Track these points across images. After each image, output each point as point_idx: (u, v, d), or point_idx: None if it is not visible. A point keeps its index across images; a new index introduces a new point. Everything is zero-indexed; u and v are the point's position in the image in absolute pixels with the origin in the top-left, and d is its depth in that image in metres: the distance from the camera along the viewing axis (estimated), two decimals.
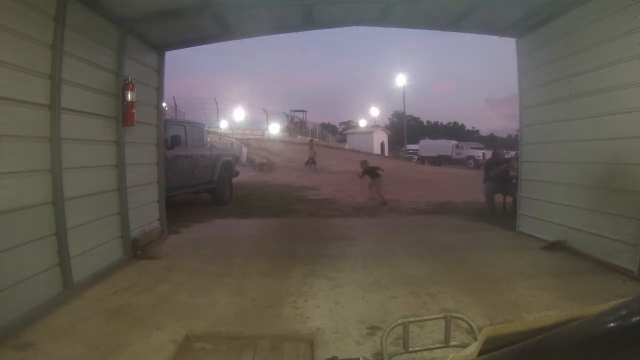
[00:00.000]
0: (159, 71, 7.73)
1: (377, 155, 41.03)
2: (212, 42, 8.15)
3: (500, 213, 10.62)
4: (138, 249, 6.65)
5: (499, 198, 10.76)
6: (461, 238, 7.87)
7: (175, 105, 34.53)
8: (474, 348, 0.76)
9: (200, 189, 11.58)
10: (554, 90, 7.16)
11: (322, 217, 10.61)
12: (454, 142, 45.52)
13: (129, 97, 6.20)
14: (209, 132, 30.37)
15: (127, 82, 6.22)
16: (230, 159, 12.98)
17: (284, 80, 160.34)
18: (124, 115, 6.19)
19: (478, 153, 42.51)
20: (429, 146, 44.80)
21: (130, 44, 6.59)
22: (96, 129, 5.72)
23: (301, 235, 8.15)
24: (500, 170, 10.79)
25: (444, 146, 43.77)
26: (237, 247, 7.22)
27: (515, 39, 8.23)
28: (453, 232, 8.43)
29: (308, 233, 8.40)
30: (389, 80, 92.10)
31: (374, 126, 53.19)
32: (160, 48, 7.67)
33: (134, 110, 6.25)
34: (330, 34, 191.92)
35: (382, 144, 48.29)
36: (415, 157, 44.91)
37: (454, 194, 15.73)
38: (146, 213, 7.24)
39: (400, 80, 50.05)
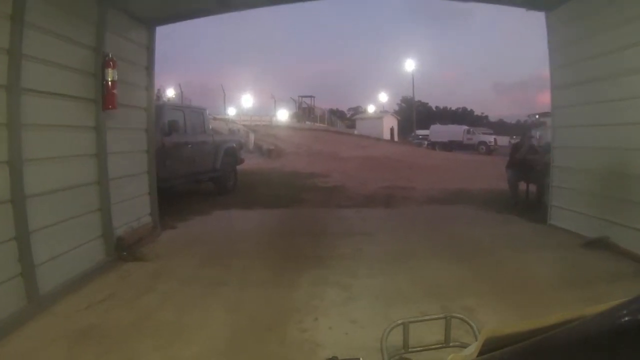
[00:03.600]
0: (150, 48, 6.81)
1: (387, 141, 40.15)
2: (207, 15, 7.23)
3: (523, 202, 9.76)
4: (124, 249, 5.80)
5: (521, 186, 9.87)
6: (488, 233, 6.98)
7: (182, 92, 33.66)
8: (473, 348, 0.74)
9: (202, 178, 10.72)
10: (591, 67, 6.21)
11: (332, 207, 9.71)
12: (465, 127, 44.11)
13: (110, 76, 5.29)
14: (215, 119, 29.85)
15: (106, 59, 5.32)
16: (234, 145, 12.07)
17: (291, 67, 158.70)
18: (104, 97, 5.29)
19: (490, 138, 41.51)
20: (439, 131, 43.49)
21: (113, 18, 5.69)
22: (70, 113, 4.84)
23: (309, 230, 7.25)
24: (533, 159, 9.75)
25: (455, 131, 42.43)
26: (238, 246, 6.36)
27: (544, 12, 7.24)
28: (477, 225, 7.53)
29: (317, 227, 7.50)
30: (397, 65, 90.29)
31: (383, 111, 51.92)
32: (150, 23, 6.75)
33: (115, 91, 5.35)
34: (337, 19, 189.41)
35: (392, 130, 47.08)
36: (426, 142, 43.92)
37: (469, 180, 14.74)
38: (134, 207, 6.38)
39: (409, 65, 48.63)
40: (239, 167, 13.03)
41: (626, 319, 0.49)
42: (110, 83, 5.30)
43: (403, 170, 18.60)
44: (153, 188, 6.86)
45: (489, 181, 14.06)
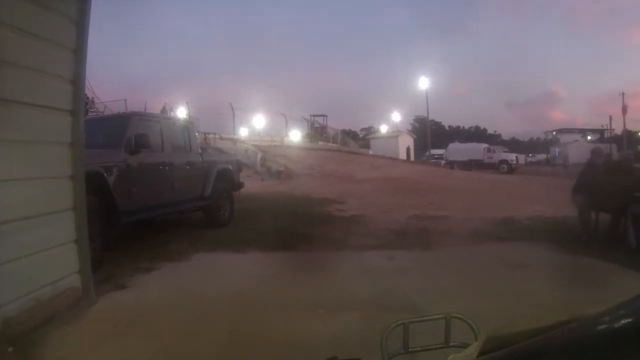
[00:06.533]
0: (80, 24, 4.38)
1: (403, 160, 37.77)
2: None
3: (597, 237, 7.32)
4: (11, 342, 3.32)
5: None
6: (593, 296, 4.33)
7: (188, 110, 31.52)
8: (474, 348, 0.75)
9: (185, 208, 8.25)
10: None
11: (353, 249, 7.09)
12: (485, 145, 41.40)
13: None
14: (221, 138, 27.58)
15: None
16: (229, 167, 9.54)
17: (300, 87, 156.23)
18: None
19: (511, 157, 38.92)
20: (458, 150, 40.83)
21: None
22: None
23: (321, 300, 4.52)
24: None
25: (475, 150, 39.68)
26: (200, 339, 3.75)
27: None
28: (576, 287, 4.82)
29: (332, 292, 4.82)
30: (409, 84, 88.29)
31: (398, 130, 49.47)
32: None
33: None
34: (347, 39, 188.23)
35: (408, 149, 44.60)
36: (442, 161, 41.45)
37: (508, 206, 12.13)
38: (45, 266, 3.89)
39: (423, 83, 46.21)
40: (240, 192, 10.60)
41: (626, 319, 0.50)
42: None
43: (427, 193, 15.98)
44: (83, 233, 4.35)
45: (532, 206, 11.56)
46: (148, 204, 6.97)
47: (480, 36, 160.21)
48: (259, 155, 23.75)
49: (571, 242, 7.22)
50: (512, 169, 36.07)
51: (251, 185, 16.10)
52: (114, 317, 4.21)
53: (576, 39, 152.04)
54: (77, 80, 4.34)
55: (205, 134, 24.56)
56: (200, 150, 8.96)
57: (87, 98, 27.51)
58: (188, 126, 8.66)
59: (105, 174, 6.00)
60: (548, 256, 6.62)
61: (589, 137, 51.95)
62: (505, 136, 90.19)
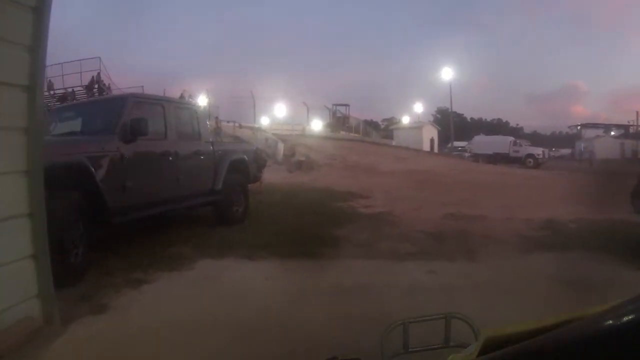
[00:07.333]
0: None
1: (427, 152, 36.40)
2: None
3: None
4: None
5: None
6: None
7: (208, 97, 30.56)
8: (474, 348, 0.74)
9: (192, 204, 7.23)
10: None
11: (383, 257, 5.94)
12: (512, 138, 39.53)
13: None
14: (241, 127, 26.57)
15: None
16: (244, 157, 8.44)
17: (321, 76, 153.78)
18: None
19: (538, 151, 37.38)
20: (483, 143, 39.06)
21: None
22: None
23: (351, 340, 3.30)
24: None
25: (501, 143, 37.83)
26: None
27: None
28: None
29: (367, 326, 3.66)
30: (431, 75, 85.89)
31: (422, 121, 47.86)
32: None
33: None
34: (369, 30, 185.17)
35: (432, 141, 43.07)
36: (466, 154, 39.93)
37: (548, 205, 10.86)
38: None
39: (446, 73, 44.36)
40: (258, 185, 9.58)
41: (626, 318, 0.49)
42: None
43: (458, 188, 14.73)
44: (42, 246, 3.31)
45: (572, 206, 10.19)
46: (147, 201, 5.95)
47: (501, 29, 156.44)
48: (280, 145, 22.72)
49: (628, 249, 5.97)
50: (538, 164, 34.45)
51: (271, 175, 15.07)
52: (82, 356, 3.19)
53: (597, 35, 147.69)
54: (37, 47, 3.27)
55: (216, 119, 23.45)
56: (210, 138, 7.89)
57: (104, 84, 26.81)
58: (197, 110, 7.60)
59: (90, 166, 4.97)
60: (613, 271, 5.38)
61: (612, 133, 49.69)
62: (527, 130, 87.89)
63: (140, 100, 6.46)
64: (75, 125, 6.42)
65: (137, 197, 5.71)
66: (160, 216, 6.84)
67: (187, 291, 4.62)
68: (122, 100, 6.21)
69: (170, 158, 6.46)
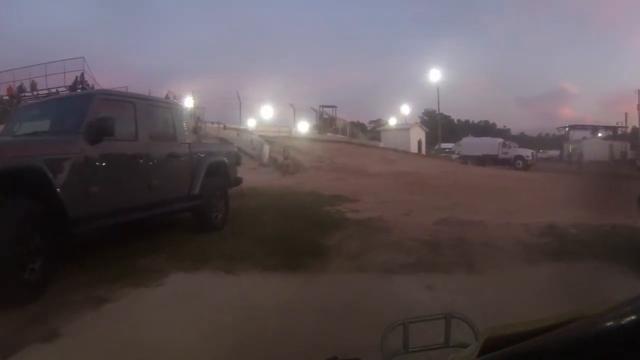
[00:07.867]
0: None
1: (415, 154, 36.16)
2: None
3: None
4: None
5: None
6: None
7: (194, 99, 29.90)
8: (474, 348, 0.73)
9: (167, 211, 6.63)
10: None
11: (376, 271, 5.37)
12: (500, 140, 39.47)
13: None
14: (225, 128, 25.95)
15: None
16: (224, 159, 7.86)
17: (311, 78, 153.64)
18: None
19: (527, 152, 37.22)
20: (472, 144, 38.80)
21: None
22: None
23: None
24: None
25: (490, 144, 37.62)
26: None
27: None
28: None
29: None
30: (418, 77, 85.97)
31: (410, 123, 47.62)
32: None
33: None
34: (358, 32, 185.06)
35: (420, 142, 42.84)
36: (454, 156, 39.75)
37: (545, 209, 10.45)
38: None
39: (434, 75, 44.12)
40: (241, 187, 9.04)
41: (626, 319, 0.49)
42: None
43: (450, 191, 14.30)
44: None
45: (570, 210, 9.75)
46: (114, 208, 5.34)
47: (489, 33, 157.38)
48: (266, 147, 22.17)
49: (635, 257, 5.51)
50: (527, 165, 34.37)
51: (256, 178, 14.49)
52: None
53: (588, 37, 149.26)
54: None
55: (197, 119, 22.81)
56: (187, 139, 7.29)
57: (87, 85, 26.09)
58: (173, 109, 7.00)
59: (47, 169, 4.37)
60: (626, 283, 4.95)
61: (599, 134, 50.10)
62: (514, 131, 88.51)
63: (108, 97, 5.83)
64: (42, 125, 5.81)
65: (102, 204, 5.11)
66: (133, 224, 6.24)
67: (154, 313, 4.03)
68: (88, 98, 5.63)
69: (141, 161, 5.87)
